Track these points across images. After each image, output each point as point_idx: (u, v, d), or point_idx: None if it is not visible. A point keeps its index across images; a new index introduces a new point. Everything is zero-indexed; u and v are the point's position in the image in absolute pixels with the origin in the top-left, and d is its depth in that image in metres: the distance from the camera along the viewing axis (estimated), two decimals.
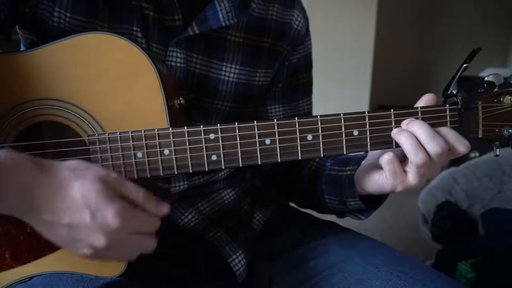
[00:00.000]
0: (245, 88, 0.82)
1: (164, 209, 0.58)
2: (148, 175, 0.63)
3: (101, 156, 0.63)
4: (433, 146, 0.61)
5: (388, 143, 0.64)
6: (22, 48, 0.76)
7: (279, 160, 0.63)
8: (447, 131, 0.63)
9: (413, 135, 0.62)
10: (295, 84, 0.90)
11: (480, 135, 0.65)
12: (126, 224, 0.53)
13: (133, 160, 0.63)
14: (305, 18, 0.89)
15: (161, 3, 0.72)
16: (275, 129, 0.62)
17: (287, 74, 0.88)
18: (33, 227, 0.55)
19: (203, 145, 0.62)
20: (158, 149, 0.62)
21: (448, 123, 0.64)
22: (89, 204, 0.52)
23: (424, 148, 0.61)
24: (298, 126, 0.62)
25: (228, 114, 0.82)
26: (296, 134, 0.62)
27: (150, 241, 0.58)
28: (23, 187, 0.51)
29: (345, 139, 0.63)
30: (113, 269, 0.65)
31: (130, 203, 0.55)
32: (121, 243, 0.55)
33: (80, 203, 0.52)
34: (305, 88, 0.93)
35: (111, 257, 0.58)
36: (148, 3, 0.71)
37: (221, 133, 0.61)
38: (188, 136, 0.61)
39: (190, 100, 0.77)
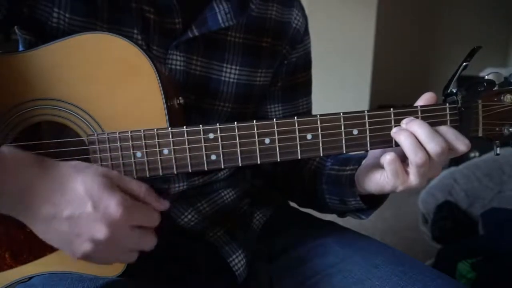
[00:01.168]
0: (246, 88, 0.82)
1: (165, 203, 0.58)
2: (148, 175, 0.63)
3: (100, 156, 0.63)
4: (433, 146, 0.61)
5: (388, 143, 0.64)
6: (21, 48, 0.76)
7: (278, 160, 0.63)
8: (447, 130, 0.63)
9: (413, 135, 0.61)
10: (294, 83, 0.90)
11: (480, 134, 0.65)
12: (128, 215, 0.53)
13: (132, 160, 0.63)
14: (304, 17, 0.89)
15: (162, 6, 0.72)
16: (274, 128, 0.62)
17: (286, 73, 0.88)
18: (30, 227, 0.55)
19: (202, 144, 0.61)
20: (157, 149, 0.62)
21: (448, 122, 0.64)
22: (91, 194, 0.52)
23: (424, 148, 0.61)
24: (298, 126, 0.62)
25: (230, 115, 0.82)
26: (296, 134, 0.62)
27: (150, 238, 0.58)
28: (24, 182, 0.51)
29: (345, 139, 0.63)
30: (113, 269, 0.65)
31: (131, 197, 0.55)
32: (121, 237, 0.55)
33: (82, 195, 0.52)
34: (304, 87, 0.92)
35: (109, 256, 0.58)
36: (149, 6, 0.71)
37: (220, 133, 0.61)
38: (187, 136, 0.61)
39: (191, 102, 0.77)
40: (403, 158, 0.63)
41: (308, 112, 0.94)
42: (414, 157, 0.61)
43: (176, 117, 0.66)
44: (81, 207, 0.52)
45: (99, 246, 0.54)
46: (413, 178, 0.63)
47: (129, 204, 0.54)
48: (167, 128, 0.62)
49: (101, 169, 0.56)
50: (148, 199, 0.57)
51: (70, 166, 0.55)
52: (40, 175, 0.52)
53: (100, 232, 0.52)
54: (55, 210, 0.52)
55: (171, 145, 0.61)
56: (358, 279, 0.73)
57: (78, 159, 0.59)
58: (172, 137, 0.61)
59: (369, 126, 0.63)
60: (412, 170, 0.63)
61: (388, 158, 0.63)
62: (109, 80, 0.63)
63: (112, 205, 0.52)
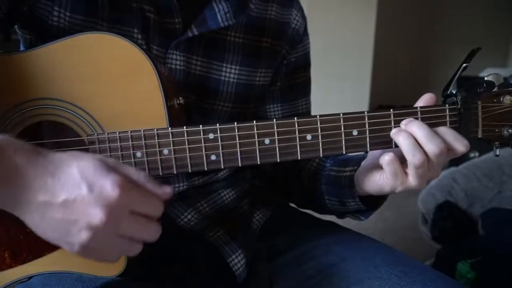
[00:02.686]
0: (245, 88, 0.82)
1: (167, 190, 0.54)
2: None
3: None
4: (431, 147, 0.61)
5: (388, 143, 0.64)
6: (22, 48, 0.76)
7: (278, 160, 0.63)
8: (446, 131, 0.63)
9: (412, 136, 0.62)
10: (294, 83, 0.90)
11: (479, 135, 0.65)
12: (126, 197, 0.50)
13: (132, 160, 0.63)
14: (303, 17, 0.89)
15: (162, 6, 0.72)
16: (274, 129, 0.62)
17: (286, 73, 0.88)
18: (24, 221, 0.51)
19: (202, 144, 0.61)
20: (157, 149, 0.62)
21: (448, 123, 0.64)
22: (86, 176, 0.49)
23: (423, 149, 0.61)
24: (297, 126, 0.62)
25: (230, 115, 0.82)
26: (296, 134, 0.62)
27: (153, 227, 0.53)
28: (15, 168, 0.48)
29: (345, 139, 0.63)
30: (112, 269, 0.65)
31: (130, 182, 0.52)
32: (120, 222, 0.50)
33: (77, 177, 0.49)
34: (303, 87, 0.93)
35: (110, 247, 0.53)
36: (149, 5, 0.71)
37: (220, 133, 0.61)
38: (187, 136, 0.61)
39: (191, 102, 0.77)
40: (402, 159, 0.63)
41: (307, 112, 0.94)
42: (412, 158, 0.61)
43: (176, 117, 0.66)
44: (75, 191, 0.48)
45: (98, 234, 0.49)
46: (411, 179, 0.64)
47: (127, 186, 0.50)
48: (167, 128, 0.62)
49: (98, 155, 0.53)
50: (148, 186, 0.53)
51: (65, 153, 0.52)
52: (32, 161, 0.49)
53: (97, 216, 0.48)
54: (49, 196, 0.49)
55: (171, 145, 0.61)
56: (358, 279, 0.73)
57: None
58: (172, 137, 0.61)
59: (369, 126, 0.63)
60: (410, 171, 0.63)
61: (386, 158, 0.63)
62: (110, 80, 0.64)
63: (108, 185, 0.49)
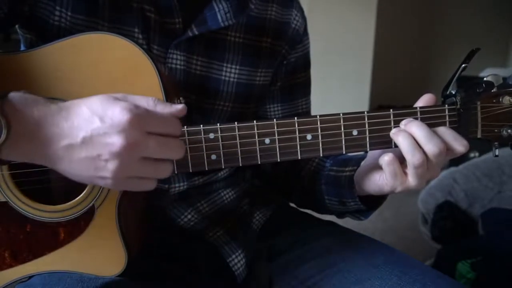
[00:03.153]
0: (246, 88, 0.82)
1: (179, 106, 0.55)
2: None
3: None
4: (430, 147, 0.61)
5: (387, 143, 0.64)
6: (22, 47, 0.76)
7: (278, 160, 0.63)
8: (445, 131, 0.63)
9: (411, 136, 0.62)
10: (294, 83, 0.90)
11: (479, 135, 0.65)
12: (139, 118, 0.51)
13: None
14: (303, 17, 0.89)
15: (162, 6, 0.73)
16: (274, 128, 0.62)
17: (286, 73, 0.88)
18: (59, 171, 0.53)
19: (203, 144, 0.62)
20: None
21: (447, 123, 0.64)
22: (95, 111, 0.51)
23: (422, 149, 0.61)
24: (298, 126, 0.62)
25: (230, 114, 0.82)
26: (296, 134, 0.62)
27: (175, 144, 0.54)
28: (38, 124, 0.50)
29: (345, 139, 0.63)
30: (113, 269, 0.65)
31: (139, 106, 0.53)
32: (142, 146, 0.51)
33: (88, 114, 0.51)
34: (303, 87, 0.93)
35: (141, 171, 0.53)
36: (149, 5, 0.72)
37: (220, 133, 0.62)
38: (187, 136, 0.61)
39: (191, 101, 0.77)
40: (402, 159, 0.63)
41: (307, 112, 0.94)
42: (411, 158, 0.61)
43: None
44: (89, 126, 0.50)
45: (124, 161, 0.51)
46: (411, 179, 0.64)
47: (137, 110, 0.51)
48: None
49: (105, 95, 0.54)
50: (159, 108, 0.54)
51: (75, 100, 0.53)
52: (48, 113, 0.51)
53: (115, 143, 0.50)
54: (69, 140, 0.50)
55: None
56: (358, 279, 0.73)
57: None
58: None
59: (368, 126, 0.63)
60: (410, 171, 0.63)
61: (386, 159, 0.63)
62: (110, 80, 0.64)
63: (117, 112, 0.50)
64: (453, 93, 0.64)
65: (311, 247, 0.83)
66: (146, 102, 0.54)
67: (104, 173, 0.52)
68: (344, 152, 0.64)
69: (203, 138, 0.61)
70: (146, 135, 0.52)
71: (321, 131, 0.63)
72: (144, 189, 0.56)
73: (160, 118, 0.54)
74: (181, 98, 0.70)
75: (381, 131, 0.64)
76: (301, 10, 0.89)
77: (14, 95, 0.51)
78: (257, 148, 0.62)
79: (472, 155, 2.37)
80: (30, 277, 0.68)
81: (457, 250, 1.60)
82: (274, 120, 0.62)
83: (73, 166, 0.52)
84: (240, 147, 0.62)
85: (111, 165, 0.51)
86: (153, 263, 0.75)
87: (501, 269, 1.42)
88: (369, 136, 0.63)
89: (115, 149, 0.50)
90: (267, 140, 0.62)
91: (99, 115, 0.50)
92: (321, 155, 0.63)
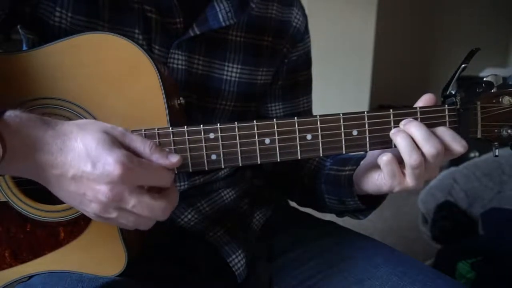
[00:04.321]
0: (247, 87, 0.82)
1: (174, 159, 0.56)
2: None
3: None
4: (428, 148, 0.61)
5: (387, 143, 0.64)
6: (24, 47, 0.76)
7: (278, 160, 0.63)
8: (444, 131, 0.63)
9: (409, 136, 0.62)
10: (295, 81, 0.90)
11: (479, 135, 0.65)
12: (129, 173, 0.51)
13: None
14: (304, 16, 0.89)
15: (163, 6, 0.73)
16: (274, 128, 0.62)
17: (287, 71, 0.88)
18: (50, 189, 0.55)
19: (203, 144, 0.62)
20: None
21: (447, 123, 0.64)
22: (89, 153, 0.51)
23: (420, 150, 0.61)
24: (298, 126, 0.62)
25: (232, 114, 0.82)
26: (296, 134, 0.62)
27: (165, 202, 0.54)
28: (33, 146, 0.51)
29: (344, 139, 0.63)
30: (113, 268, 0.65)
31: (136, 155, 0.53)
32: (127, 198, 0.52)
33: (82, 153, 0.51)
34: (304, 85, 0.93)
35: (122, 219, 0.54)
36: (150, 5, 0.72)
37: (220, 133, 0.62)
38: (188, 136, 0.61)
39: (193, 101, 0.77)
40: (400, 159, 0.63)
41: (308, 111, 0.94)
42: (409, 158, 0.61)
43: (177, 117, 0.67)
44: (81, 167, 0.51)
45: (107, 208, 0.52)
46: (409, 179, 0.64)
47: (130, 162, 0.51)
48: (167, 128, 0.62)
49: (105, 125, 0.54)
50: (154, 157, 0.54)
51: (74, 124, 0.53)
52: (43, 137, 0.51)
53: (101, 192, 0.51)
54: (61, 170, 0.51)
55: (172, 145, 0.61)
56: (358, 279, 0.74)
57: None
58: (173, 137, 0.61)
59: (368, 127, 0.63)
60: (407, 171, 0.63)
61: (384, 159, 0.63)
62: (111, 80, 0.64)
63: (110, 163, 0.50)
64: (453, 93, 0.64)
65: (311, 247, 0.83)
66: (143, 149, 0.54)
67: (87, 209, 0.54)
68: (344, 152, 0.64)
69: (203, 138, 0.61)
70: (133, 190, 0.52)
71: (321, 131, 0.63)
72: (124, 227, 0.58)
73: (152, 171, 0.54)
74: (181, 98, 0.70)
75: (381, 131, 0.64)
76: (302, 9, 0.89)
77: (10, 115, 0.51)
78: (257, 148, 0.62)
79: (472, 155, 2.37)
80: (30, 277, 0.68)
81: (457, 250, 1.60)
82: (274, 120, 0.62)
83: (61, 194, 0.54)
84: (240, 147, 0.62)
85: (94, 206, 0.53)
86: (153, 263, 0.75)
87: (501, 269, 1.42)
88: (369, 136, 0.63)
89: (99, 196, 0.51)
90: (267, 140, 0.62)
91: (92, 160, 0.51)
92: (321, 155, 0.63)
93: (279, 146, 0.62)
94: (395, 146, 0.64)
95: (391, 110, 0.63)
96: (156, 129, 0.62)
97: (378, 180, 0.67)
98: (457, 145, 0.62)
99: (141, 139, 0.55)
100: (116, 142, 0.53)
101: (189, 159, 0.62)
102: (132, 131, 0.62)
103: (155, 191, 0.55)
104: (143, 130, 0.62)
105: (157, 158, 0.55)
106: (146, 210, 0.53)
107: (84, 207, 0.54)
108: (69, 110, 0.64)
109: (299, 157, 0.63)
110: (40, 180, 0.53)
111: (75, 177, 0.51)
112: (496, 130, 0.64)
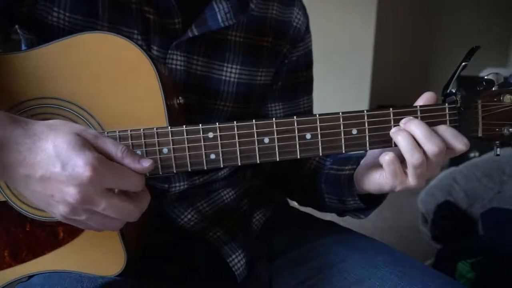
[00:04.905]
0: (246, 88, 0.82)
1: (146, 163, 0.55)
2: (147, 174, 0.63)
3: None
4: (430, 146, 0.60)
5: (387, 142, 0.64)
6: (23, 47, 0.76)
7: (277, 159, 0.63)
8: (445, 129, 0.62)
9: (410, 135, 0.61)
10: (295, 82, 0.90)
11: (480, 134, 0.64)
12: (99, 176, 0.50)
13: None
14: (305, 15, 0.89)
15: (162, 7, 0.72)
16: (273, 128, 0.62)
17: (287, 72, 0.88)
18: (16, 188, 0.54)
19: (202, 143, 0.61)
20: (157, 148, 0.62)
21: (448, 122, 0.63)
22: (59, 154, 0.50)
23: (422, 148, 0.61)
24: (297, 125, 0.62)
25: (231, 114, 0.82)
26: (295, 133, 0.62)
27: (133, 205, 0.54)
28: (0, 142, 0.50)
29: (344, 138, 0.63)
30: (112, 268, 0.65)
31: (109, 158, 0.53)
32: (96, 200, 0.51)
33: (52, 155, 0.50)
34: (305, 86, 0.93)
35: (90, 221, 0.54)
36: (149, 6, 0.71)
37: (219, 132, 0.61)
38: (186, 135, 0.61)
39: (192, 102, 0.77)
40: (402, 158, 0.63)
41: (309, 111, 0.94)
42: (411, 157, 0.61)
43: (176, 116, 0.66)
44: (50, 168, 0.50)
45: (75, 210, 0.52)
46: (411, 178, 0.63)
47: (101, 164, 0.51)
48: (166, 127, 0.62)
49: (77, 127, 0.53)
50: (126, 161, 0.54)
51: (45, 124, 0.53)
52: (12, 135, 0.51)
53: (69, 194, 0.50)
54: (29, 170, 0.51)
55: (171, 144, 0.61)
56: (358, 279, 0.73)
57: None
58: (172, 136, 0.61)
59: (368, 126, 0.63)
60: (409, 170, 0.63)
61: (387, 158, 0.63)
62: (110, 80, 0.64)
63: (80, 165, 0.49)
64: (454, 91, 0.64)
65: (311, 247, 0.82)
66: (115, 152, 0.54)
67: (55, 210, 0.53)
68: (343, 151, 0.64)
69: (202, 137, 0.61)
70: (102, 193, 0.52)
71: (320, 130, 0.62)
72: (91, 229, 0.57)
73: (121, 176, 0.53)
74: (180, 98, 0.70)
75: (380, 130, 0.63)
76: (303, 8, 0.89)
77: None
78: (256, 148, 0.62)
79: (472, 155, 2.37)
80: (30, 277, 0.68)
81: (457, 250, 1.60)
82: (273, 119, 0.62)
83: (28, 194, 0.54)
84: (239, 146, 0.62)
85: (61, 208, 0.52)
86: (152, 263, 0.75)
87: (501, 269, 1.42)
88: (368, 135, 0.63)
89: (67, 198, 0.51)
90: (266, 140, 0.62)
91: (62, 161, 0.50)
92: (320, 154, 0.63)
93: (278, 146, 0.62)
94: (395, 145, 0.63)
95: (391, 109, 0.63)
96: (155, 129, 0.61)
97: (380, 179, 0.67)
98: (459, 143, 0.62)
99: (113, 142, 0.54)
100: (87, 145, 0.52)
101: (188, 159, 0.62)
102: (131, 131, 0.62)
103: (124, 192, 0.55)
104: (141, 130, 0.62)
105: (129, 162, 0.54)
106: (115, 212, 0.53)
107: (51, 209, 0.53)
108: (68, 110, 0.64)
109: (298, 157, 0.63)
110: (6, 179, 0.53)
111: (43, 177, 0.51)
112: (497, 129, 0.64)
